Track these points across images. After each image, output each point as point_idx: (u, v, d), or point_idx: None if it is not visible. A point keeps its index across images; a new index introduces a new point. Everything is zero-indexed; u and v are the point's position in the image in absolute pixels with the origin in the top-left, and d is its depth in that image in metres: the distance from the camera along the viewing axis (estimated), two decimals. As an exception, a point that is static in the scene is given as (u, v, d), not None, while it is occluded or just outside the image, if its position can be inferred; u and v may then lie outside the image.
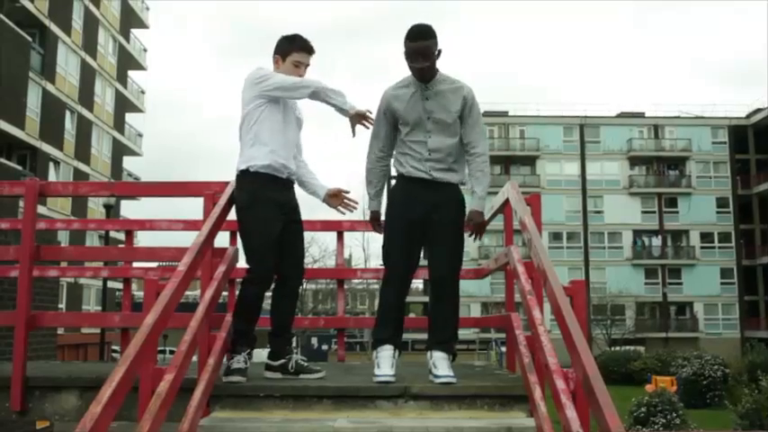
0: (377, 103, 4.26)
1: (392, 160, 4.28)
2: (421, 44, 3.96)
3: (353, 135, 4.24)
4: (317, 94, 4.23)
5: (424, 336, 4.26)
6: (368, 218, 4.49)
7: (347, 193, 4.61)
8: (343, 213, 4.68)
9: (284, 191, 4.36)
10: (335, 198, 4.59)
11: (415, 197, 4.09)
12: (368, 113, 4.19)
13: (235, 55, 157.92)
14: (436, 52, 4.01)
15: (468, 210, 4.20)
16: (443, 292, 4.12)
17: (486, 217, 5.32)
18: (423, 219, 4.07)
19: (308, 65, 4.44)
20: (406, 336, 4.28)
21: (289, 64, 4.38)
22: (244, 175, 4.28)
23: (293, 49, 4.39)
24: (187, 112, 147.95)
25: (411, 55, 3.98)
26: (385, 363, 3.99)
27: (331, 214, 4.83)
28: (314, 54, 4.47)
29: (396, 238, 4.14)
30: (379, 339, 4.11)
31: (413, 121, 4.07)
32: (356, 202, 4.68)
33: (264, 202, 4.21)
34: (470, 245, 50.68)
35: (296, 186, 4.56)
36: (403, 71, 4.18)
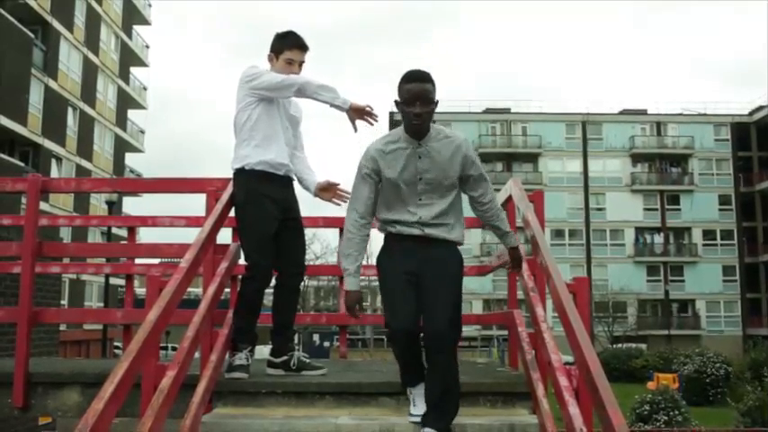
0: (380, 102, 4.07)
1: (377, 224, 3.73)
2: (421, 86, 3.47)
3: (355, 131, 4.21)
4: (303, 92, 4.19)
5: None
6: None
7: (337, 185, 4.57)
8: (338, 205, 4.65)
9: (281, 188, 4.35)
10: (326, 192, 4.55)
11: (409, 251, 3.55)
12: (368, 108, 4.15)
13: (239, 52, 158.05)
14: (435, 103, 3.53)
15: (508, 249, 3.85)
16: (441, 352, 3.40)
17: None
18: (417, 272, 3.51)
19: (302, 62, 4.41)
20: None
21: (282, 62, 4.36)
22: (239, 173, 4.29)
23: (286, 46, 4.37)
24: (193, 109, 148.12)
25: (408, 99, 3.46)
26: (421, 401, 3.58)
27: (330, 210, 4.78)
28: (308, 51, 4.43)
29: (397, 291, 3.51)
30: (410, 383, 3.67)
31: (402, 181, 3.53)
32: (348, 193, 4.62)
33: (259, 200, 4.21)
34: (472, 241, 50.69)
35: (296, 184, 4.55)
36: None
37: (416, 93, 3.46)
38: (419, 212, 3.56)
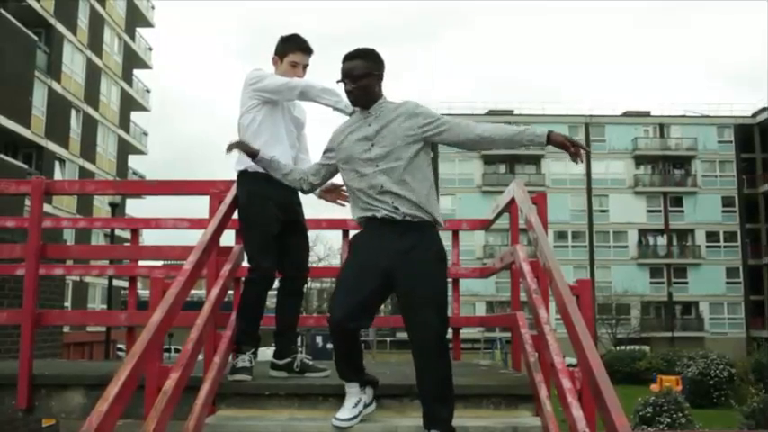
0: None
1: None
2: (347, 64, 3.54)
3: None
4: (306, 95, 4.21)
5: None
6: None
7: (341, 186, 4.56)
8: (342, 206, 4.64)
9: (284, 190, 4.34)
10: (330, 193, 4.55)
11: (383, 242, 3.44)
12: None
13: (244, 54, 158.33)
14: (369, 76, 3.53)
15: (532, 136, 3.48)
16: (427, 356, 3.35)
17: (492, 216, 5.33)
18: (390, 271, 3.41)
19: (306, 65, 4.43)
20: (404, 334, 3.84)
21: (286, 65, 4.38)
22: (242, 175, 4.30)
23: (290, 49, 4.40)
24: (196, 111, 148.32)
25: (341, 78, 3.57)
26: (348, 403, 3.60)
27: (334, 212, 4.76)
28: (312, 54, 4.46)
29: (347, 283, 3.46)
30: (342, 376, 3.65)
31: (357, 153, 3.52)
32: None
33: (262, 202, 4.21)
34: (474, 243, 50.66)
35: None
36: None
37: (344, 71, 3.56)
38: (380, 179, 3.45)
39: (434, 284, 3.42)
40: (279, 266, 4.32)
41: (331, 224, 5.84)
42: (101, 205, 36.98)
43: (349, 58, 3.57)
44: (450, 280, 4.74)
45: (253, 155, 3.88)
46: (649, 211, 54.36)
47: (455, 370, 3.47)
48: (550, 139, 3.44)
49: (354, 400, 3.60)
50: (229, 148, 3.90)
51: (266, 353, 4.61)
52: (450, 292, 4.12)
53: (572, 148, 3.41)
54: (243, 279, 4.47)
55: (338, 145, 3.64)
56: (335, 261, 42.50)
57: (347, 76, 3.54)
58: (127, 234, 28.15)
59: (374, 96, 3.58)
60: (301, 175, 3.85)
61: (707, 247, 53.39)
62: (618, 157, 54.57)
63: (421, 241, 3.46)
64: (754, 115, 55.00)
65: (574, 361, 2.92)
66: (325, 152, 3.74)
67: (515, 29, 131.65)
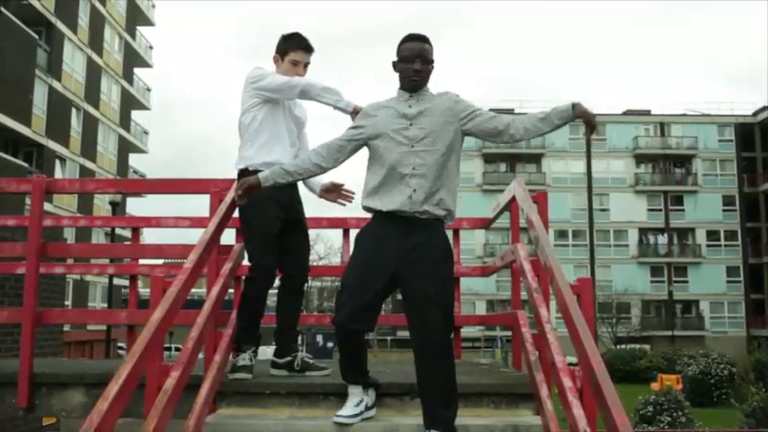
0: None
1: (367, 199, 3.57)
2: (421, 45, 3.55)
3: None
4: (307, 93, 4.20)
5: None
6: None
7: (342, 185, 4.54)
8: (344, 205, 4.64)
9: (285, 189, 4.33)
10: (331, 192, 4.55)
11: (389, 239, 3.43)
12: None
13: (246, 53, 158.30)
14: (432, 63, 3.59)
15: (563, 113, 3.46)
16: (433, 357, 3.33)
17: (492, 215, 5.32)
18: (395, 270, 3.40)
19: (307, 63, 4.43)
20: (405, 333, 3.81)
21: (287, 63, 4.38)
22: (243, 174, 4.28)
23: (291, 47, 4.39)
24: (197, 110, 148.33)
25: (408, 57, 3.53)
26: (350, 402, 3.60)
27: (335, 211, 4.75)
28: (312, 53, 4.45)
29: (351, 283, 3.43)
30: (345, 378, 3.67)
31: (393, 131, 3.49)
32: (353, 193, 4.59)
33: (263, 201, 4.19)
34: (475, 242, 50.65)
35: (300, 185, 4.55)
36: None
37: (417, 50, 3.55)
38: (412, 159, 3.44)
39: (440, 283, 3.40)
40: (279, 265, 4.32)
41: (332, 223, 5.84)
42: (101, 204, 37.00)
43: (421, 39, 3.58)
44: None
45: (258, 186, 3.71)
46: (650, 210, 54.35)
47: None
48: (576, 110, 3.45)
49: (357, 399, 3.60)
50: (241, 198, 3.76)
51: (267, 351, 4.61)
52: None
53: (593, 121, 3.44)
54: (243, 278, 4.47)
55: (372, 119, 3.58)
56: (336, 259, 42.54)
57: (420, 57, 3.54)
58: (127, 233, 28.18)
59: (426, 83, 3.62)
60: (312, 162, 3.64)
61: (707, 245, 53.38)
62: (618, 155, 54.57)
63: (428, 239, 3.44)
64: (755, 114, 54.99)
65: (574, 360, 2.92)
66: (352, 128, 3.64)
67: (515, 29, 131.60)
